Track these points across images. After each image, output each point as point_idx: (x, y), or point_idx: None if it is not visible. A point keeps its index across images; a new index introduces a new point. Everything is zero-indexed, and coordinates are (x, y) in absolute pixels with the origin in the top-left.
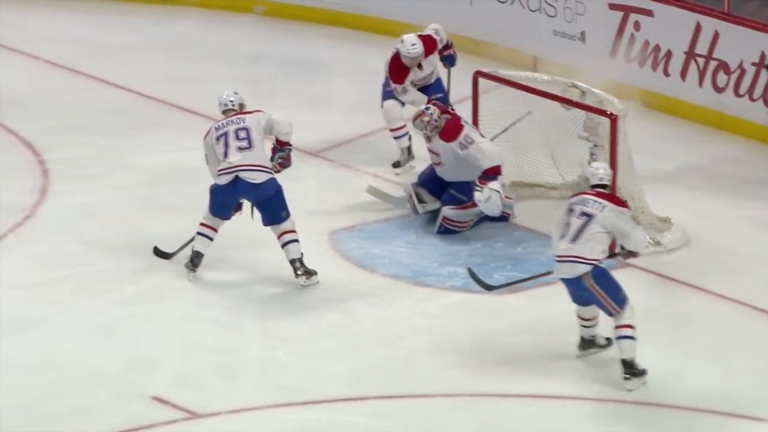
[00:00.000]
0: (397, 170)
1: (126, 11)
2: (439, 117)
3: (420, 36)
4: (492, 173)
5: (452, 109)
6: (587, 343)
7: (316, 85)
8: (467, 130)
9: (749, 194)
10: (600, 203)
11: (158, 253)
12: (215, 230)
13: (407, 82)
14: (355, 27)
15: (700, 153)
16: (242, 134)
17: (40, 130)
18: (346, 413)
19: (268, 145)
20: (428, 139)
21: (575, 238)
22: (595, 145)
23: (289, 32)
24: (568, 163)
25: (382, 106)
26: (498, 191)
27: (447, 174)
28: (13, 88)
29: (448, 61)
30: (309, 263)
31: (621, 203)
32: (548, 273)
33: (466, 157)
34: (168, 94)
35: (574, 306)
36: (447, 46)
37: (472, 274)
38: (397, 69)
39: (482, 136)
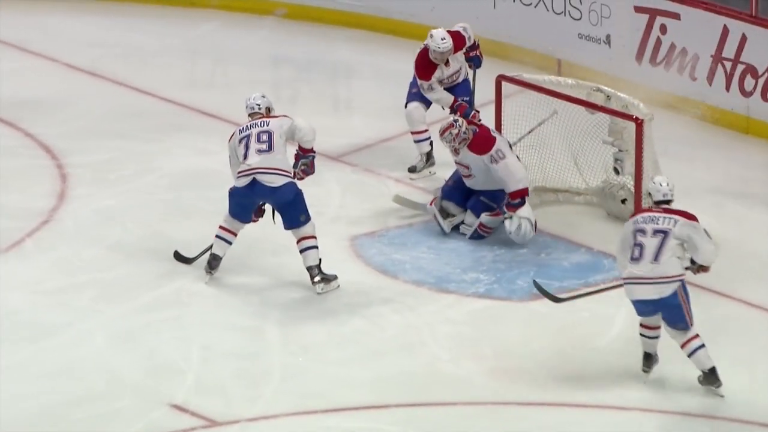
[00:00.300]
0: (413, 175)
1: (146, 13)
2: (467, 129)
3: (449, 32)
4: (518, 196)
5: (477, 112)
6: (651, 359)
7: (338, 89)
8: (499, 143)
9: None
10: (671, 218)
11: (179, 257)
12: (234, 234)
13: (434, 78)
14: (377, 30)
15: (726, 158)
16: (264, 137)
17: (58, 134)
18: (367, 421)
19: (292, 151)
20: (456, 151)
21: (656, 258)
22: (620, 150)
23: (311, 35)
24: (593, 169)
25: (406, 107)
26: (528, 218)
27: (477, 185)
28: (32, 90)
29: (474, 62)
30: (330, 269)
31: (691, 216)
32: (618, 286)
33: (494, 172)
34: (189, 97)
35: (627, 319)
36: (474, 47)
37: (539, 287)
38: (425, 65)
39: (511, 148)
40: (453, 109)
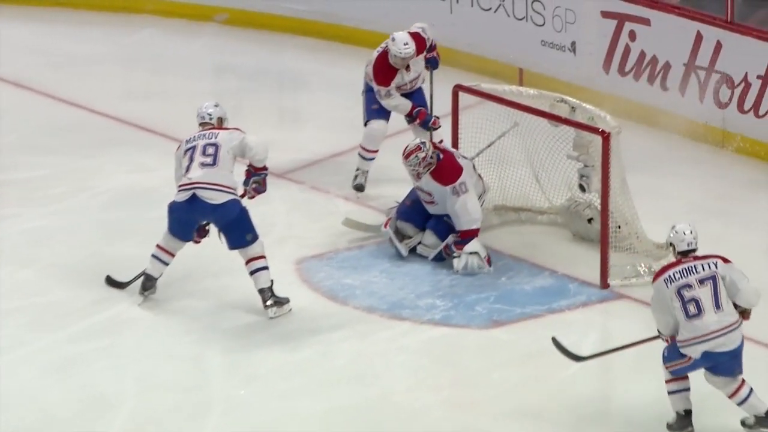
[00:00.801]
0: (361, 194)
1: (76, 20)
2: (433, 153)
3: (410, 33)
4: (468, 236)
5: (437, 118)
6: (691, 416)
7: (284, 100)
8: (465, 175)
9: (757, 218)
10: (710, 262)
11: (111, 282)
12: (171, 254)
13: (393, 84)
14: (327, 37)
15: (701, 174)
16: (210, 150)
17: None
18: None
19: (242, 167)
20: (418, 176)
21: (718, 306)
22: (586, 166)
23: (255, 42)
24: (556, 186)
25: (365, 124)
26: (477, 252)
27: (440, 210)
28: None
29: (431, 64)
30: (276, 294)
31: (723, 257)
32: (654, 338)
33: (450, 204)
34: (125, 110)
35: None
36: (431, 48)
37: (557, 344)
38: (384, 70)
39: (474, 169)
40: (412, 116)
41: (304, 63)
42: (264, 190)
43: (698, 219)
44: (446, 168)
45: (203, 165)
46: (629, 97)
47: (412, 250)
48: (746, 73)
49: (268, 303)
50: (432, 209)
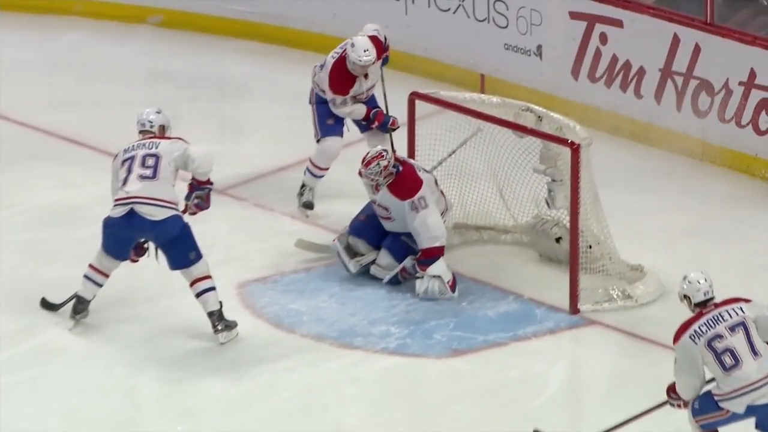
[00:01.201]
0: (309, 213)
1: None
2: (394, 164)
3: (370, 38)
4: (431, 255)
5: (395, 119)
6: None
7: (225, 109)
8: (425, 188)
9: (738, 236)
10: (735, 307)
11: (45, 305)
12: (105, 275)
13: (351, 93)
14: (272, 40)
15: (678, 188)
16: (150, 161)
17: None
18: None
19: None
20: (377, 188)
21: (755, 352)
22: (554, 180)
23: (193, 46)
24: (522, 202)
25: (318, 140)
26: (439, 276)
27: (397, 227)
28: None
29: (384, 61)
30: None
31: (746, 299)
32: (664, 404)
33: (409, 221)
34: (50, 120)
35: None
36: (386, 48)
37: None
38: (342, 78)
39: (436, 183)
40: (369, 119)
41: (246, 68)
42: (207, 206)
43: (675, 238)
44: (405, 181)
45: (142, 177)
46: (600, 105)
47: (366, 272)
48: (727, 79)
49: (219, 327)
50: (389, 226)
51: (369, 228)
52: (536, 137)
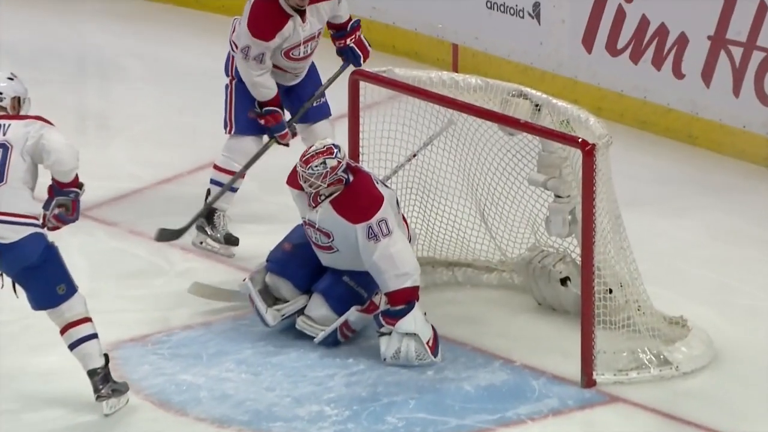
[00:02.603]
0: (206, 243)
1: None
2: (345, 169)
3: None
4: (402, 301)
5: (288, 134)
6: None
7: (86, 97)
8: (386, 209)
9: None
10: None
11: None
12: None
13: (277, 40)
14: None
15: (736, 208)
16: None
17: None
18: None
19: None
20: (315, 201)
21: None
22: (558, 196)
23: (40, 8)
24: (512, 227)
25: (230, 132)
26: (415, 333)
27: (340, 263)
28: None
29: (348, 55)
30: (81, 397)
31: None
32: None
33: (366, 255)
34: None
35: None
36: (353, 28)
37: None
38: (268, 14)
39: (398, 205)
40: (260, 107)
41: (115, 39)
42: (73, 219)
43: (730, 280)
44: (359, 196)
45: None
46: (623, 89)
47: (291, 327)
48: None
49: (103, 392)
50: (328, 260)
51: (296, 262)
52: (533, 135)
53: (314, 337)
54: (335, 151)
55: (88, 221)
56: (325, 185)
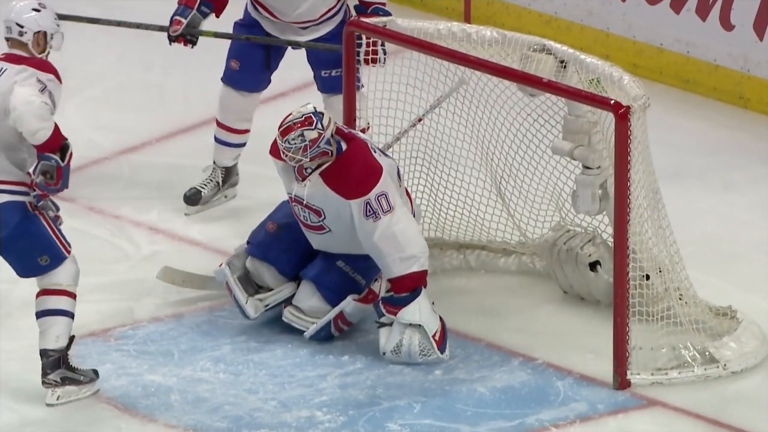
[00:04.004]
0: (191, 209)
1: None
2: (332, 137)
3: None
4: (407, 288)
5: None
6: None
7: None
8: (385, 181)
9: None
10: None
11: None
12: None
13: None
14: None
15: None
16: None
17: None
18: None
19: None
20: (301, 175)
21: None
22: (586, 167)
23: None
24: (533, 204)
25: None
26: (420, 324)
27: (332, 245)
28: None
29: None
30: (30, 401)
31: None
32: None
33: (364, 234)
34: None
35: None
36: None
37: None
38: None
39: (400, 179)
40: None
41: None
42: (57, 189)
43: None
44: (353, 168)
45: None
46: (663, 43)
47: (277, 318)
48: None
49: (50, 378)
50: (319, 242)
51: (281, 246)
52: (557, 96)
53: (304, 331)
54: (315, 120)
55: None
56: (308, 159)
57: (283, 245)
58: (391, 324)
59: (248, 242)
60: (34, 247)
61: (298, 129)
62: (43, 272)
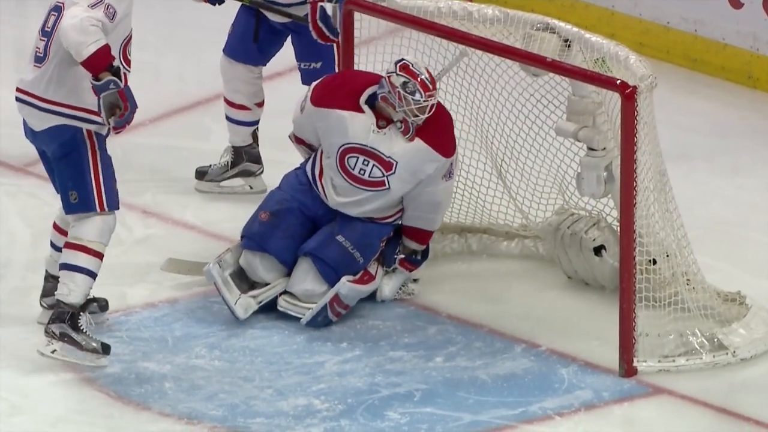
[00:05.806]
0: (201, 185)
1: None
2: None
3: None
4: (426, 242)
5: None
6: None
7: (22, 27)
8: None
9: None
10: None
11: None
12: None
13: None
14: None
15: None
16: (50, 22)
17: None
18: None
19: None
20: (407, 129)
21: None
22: (591, 149)
23: None
24: (536, 187)
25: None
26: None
27: (361, 205)
28: None
29: None
30: (16, 388)
31: None
32: None
33: (427, 195)
34: None
35: None
36: None
37: None
38: None
39: None
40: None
41: None
42: (127, 118)
43: None
44: (448, 127)
45: (35, 59)
46: (670, 21)
47: (272, 306)
48: None
49: (51, 327)
50: (348, 202)
51: (278, 233)
52: (561, 75)
53: (300, 318)
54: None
55: (29, 179)
56: (422, 120)
57: (280, 231)
58: (395, 270)
59: (242, 236)
60: (69, 176)
61: (432, 90)
62: (73, 211)
